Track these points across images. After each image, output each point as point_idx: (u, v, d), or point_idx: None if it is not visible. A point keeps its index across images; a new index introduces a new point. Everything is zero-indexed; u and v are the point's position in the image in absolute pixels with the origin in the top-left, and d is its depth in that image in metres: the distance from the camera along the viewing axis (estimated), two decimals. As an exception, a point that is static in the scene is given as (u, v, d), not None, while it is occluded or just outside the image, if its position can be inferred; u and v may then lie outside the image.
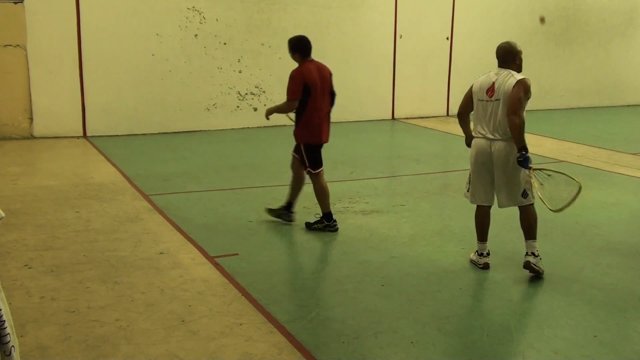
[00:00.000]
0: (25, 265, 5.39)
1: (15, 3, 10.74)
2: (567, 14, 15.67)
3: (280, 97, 12.83)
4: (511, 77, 5.23)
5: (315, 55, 13.90)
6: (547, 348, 4.13)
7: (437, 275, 5.29)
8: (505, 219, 6.84)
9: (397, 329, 4.35)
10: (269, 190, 7.92)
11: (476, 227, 5.56)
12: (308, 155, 6.41)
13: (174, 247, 5.87)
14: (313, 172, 6.42)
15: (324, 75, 6.57)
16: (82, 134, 11.40)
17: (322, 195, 6.44)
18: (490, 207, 5.55)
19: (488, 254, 5.51)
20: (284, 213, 6.63)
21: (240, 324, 4.36)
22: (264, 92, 12.66)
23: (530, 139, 11.99)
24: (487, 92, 5.31)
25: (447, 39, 14.37)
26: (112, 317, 4.45)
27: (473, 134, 5.52)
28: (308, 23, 12.85)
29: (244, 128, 12.54)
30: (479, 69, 15.31)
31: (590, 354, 4.08)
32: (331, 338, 4.23)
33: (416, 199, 7.59)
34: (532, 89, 5.54)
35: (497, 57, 5.42)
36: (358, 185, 8.18)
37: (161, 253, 5.72)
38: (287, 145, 11.09)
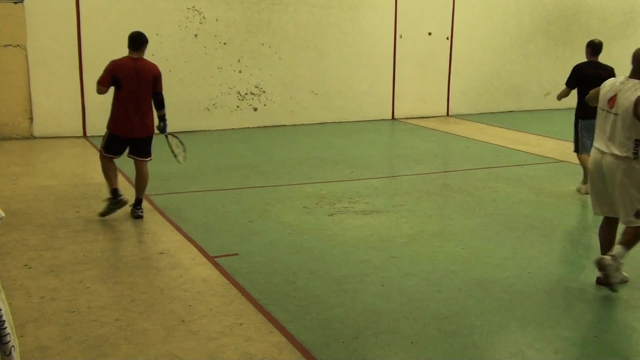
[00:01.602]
0: (25, 265, 5.39)
1: (15, 3, 10.74)
2: (567, 14, 15.67)
3: (281, 97, 12.96)
4: (633, 92, 4.69)
5: (315, 54, 13.92)
6: (547, 348, 4.13)
7: (437, 275, 5.29)
8: (504, 219, 6.84)
9: (397, 329, 4.35)
10: (269, 190, 7.92)
11: (602, 240, 5.18)
12: (106, 139, 6.68)
13: (174, 247, 5.87)
14: (104, 153, 6.70)
15: (142, 74, 6.57)
16: (82, 134, 11.40)
17: (106, 175, 6.72)
18: (614, 219, 5.11)
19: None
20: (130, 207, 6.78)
21: (240, 324, 4.36)
22: (264, 92, 12.66)
23: (530, 139, 12.07)
24: (608, 102, 4.86)
25: (447, 39, 14.37)
26: (112, 317, 4.45)
27: (594, 144, 5.09)
28: (308, 23, 12.86)
29: (244, 128, 12.54)
30: (479, 69, 15.36)
31: (590, 354, 4.08)
32: (331, 338, 4.23)
33: (416, 199, 7.59)
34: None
35: (632, 63, 4.82)
36: (358, 185, 8.18)
37: (161, 253, 5.72)
38: (287, 145, 11.14)
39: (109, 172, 6.75)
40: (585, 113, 7.49)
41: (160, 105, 6.74)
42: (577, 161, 8.15)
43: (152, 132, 6.78)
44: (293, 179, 8.58)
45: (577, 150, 7.93)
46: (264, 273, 5.32)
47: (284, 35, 12.72)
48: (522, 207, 7.28)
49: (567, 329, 4.39)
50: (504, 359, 4.04)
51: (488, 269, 5.43)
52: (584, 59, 8.09)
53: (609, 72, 7.53)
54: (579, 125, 7.76)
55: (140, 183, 6.81)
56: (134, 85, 6.51)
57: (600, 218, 5.28)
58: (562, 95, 7.87)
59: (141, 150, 6.75)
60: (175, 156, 7.15)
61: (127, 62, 6.56)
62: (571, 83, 7.81)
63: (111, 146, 6.71)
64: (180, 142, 7.17)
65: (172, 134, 7.14)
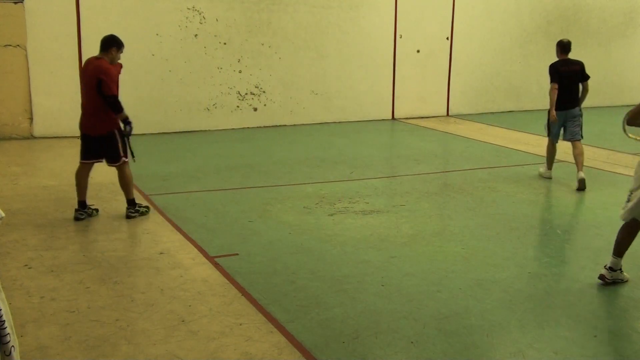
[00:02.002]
0: (25, 265, 5.38)
1: (15, 3, 10.74)
2: (567, 14, 15.67)
3: (281, 97, 12.96)
4: None
5: (315, 54, 13.96)
6: (547, 348, 4.13)
7: (437, 275, 5.29)
8: (504, 219, 6.84)
9: (397, 329, 4.35)
10: (269, 190, 7.92)
11: (620, 241, 5.07)
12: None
13: (174, 247, 5.87)
14: (80, 160, 6.77)
15: (88, 73, 6.54)
16: (82, 134, 11.40)
17: (76, 183, 6.73)
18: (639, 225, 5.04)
19: (621, 270, 5.12)
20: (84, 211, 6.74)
21: (240, 324, 4.36)
22: (264, 92, 12.66)
23: (530, 139, 12.07)
24: None
25: (447, 39, 14.37)
26: (112, 317, 4.45)
27: None
28: (308, 23, 12.86)
29: (244, 128, 12.54)
30: (479, 69, 15.33)
31: (590, 354, 4.08)
32: (331, 338, 4.23)
33: (416, 199, 7.59)
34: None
35: None
36: (358, 185, 8.18)
37: (161, 253, 5.72)
38: (287, 145, 11.14)
39: (80, 181, 6.71)
40: (560, 105, 8.32)
41: (112, 109, 6.48)
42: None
43: (102, 133, 6.56)
44: (293, 179, 8.58)
45: (549, 134, 8.67)
46: (264, 273, 5.32)
47: (284, 35, 12.72)
48: (522, 207, 7.28)
49: (567, 329, 4.39)
50: (504, 359, 4.04)
51: (488, 269, 5.43)
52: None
53: (581, 66, 8.43)
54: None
55: (121, 186, 6.77)
56: (81, 83, 6.61)
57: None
58: (554, 94, 8.30)
59: (105, 152, 6.64)
60: (133, 157, 6.83)
61: (88, 61, 6.64)
62: (555, 79, 8.33)
63: (82, 149, 6.71)
64: (132, 152, 6.88)
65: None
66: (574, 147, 8.43)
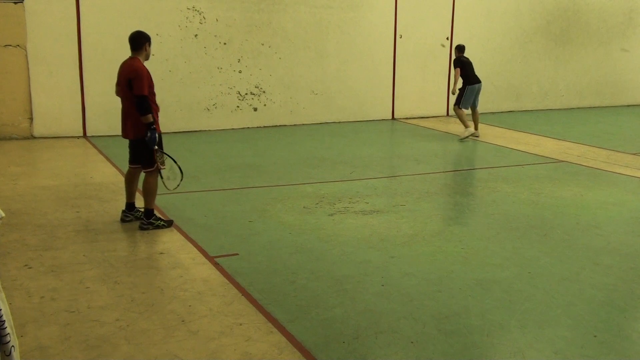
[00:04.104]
0: (25, 265, 5.38)
1: (15, 3, 10.74)
2: (567, 14, 15.67)
3: (281, 97, 12.97)
4: None
5: (316, 54, 13.94)
6: (547, 348, 4.13)
7: (437, 275, 5.29)
8: (505, 218, 6.85)
9: (397, 329, 4.35)
10: (269, 190, 7.92)
11: None
12: None
13: (174, 247, 5.87)
14: (129, 165, 6.63)
15: (121, 75, 6.39)
16: (82, 134, 11.41)
17: (125, 184, 6.67)
18: None
19: None
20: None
21: (240, 324, 4.36)
22: (264, 92, 12.67)
23: (530, 139, 12.06)
24: None
25: (447, 39, 14.37)
26: (112, 317, 4.45)
27: None
28: (308, 23, 12.86)
29: (244, 128, 12.54)
30: (479, 69, 15.35)
31: (590, 354, 4.08)
32: (331, 338, 4.23)
33: (416, 199, 7.59)
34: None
35: None
36: (358, 185, 8.18)
37: (161, 253, 5.72)
38: (287, 145, 11.14)
39: (126, 184, 6.60)
40: (470, 81, 11.70)
41: (139, 110, 6.15)
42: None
43: (133, 137, 6.33)
44: (293, 179, 8.58)
45: (458, 104, 11.72)
46: (264, 273, 5.32)
47: (284, 35, 12.72)
48: (522, 207, 7.28)
49: (567, 329, 4.39)
50: (504, 359, 4.04)
51: (488, 269, 5.43)
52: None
53: (470, 61, 11.88)
54: (467, 89, 11.66)
55: (142, 190, 6.51)
56: (118, 85, 6.41)
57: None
58: (458, 74, 11.72)
59: (133, 155, 6.48)
60: (161, 178, 6.46)
61: (123, 63, 6.47)
62: (458, 65, 11.79)
63: (129, 153, 6.55)
64: (179, 167, 6.47)
65: (165, 153, 6.45)
66: (475, 112, 11.91)
